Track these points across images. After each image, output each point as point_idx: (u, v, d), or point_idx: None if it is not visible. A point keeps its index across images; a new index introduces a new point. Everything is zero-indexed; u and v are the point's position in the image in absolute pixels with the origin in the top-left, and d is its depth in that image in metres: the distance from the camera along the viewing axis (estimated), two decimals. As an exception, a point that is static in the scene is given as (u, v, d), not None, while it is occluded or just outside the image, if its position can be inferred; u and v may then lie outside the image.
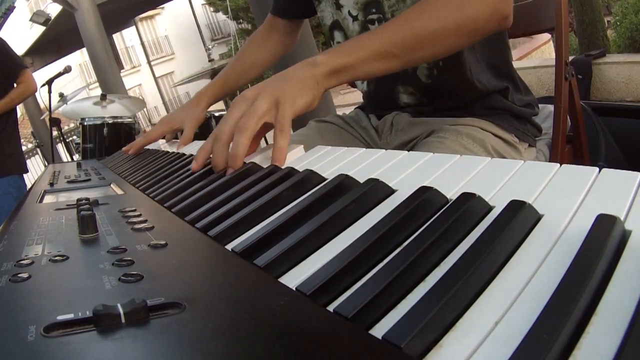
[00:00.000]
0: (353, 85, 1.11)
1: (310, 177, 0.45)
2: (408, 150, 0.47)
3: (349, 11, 0.91)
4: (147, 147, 1.09)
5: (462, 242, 0.28)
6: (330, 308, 0.24)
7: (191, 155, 0.76)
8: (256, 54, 1.16)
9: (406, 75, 0.89)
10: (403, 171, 0.42)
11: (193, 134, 1.03)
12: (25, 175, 2.47)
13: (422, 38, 0.66)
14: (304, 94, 0.61)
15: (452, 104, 0.87)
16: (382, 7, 0.86)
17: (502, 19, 0.69)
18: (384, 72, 0.69)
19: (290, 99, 0.59)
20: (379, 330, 0.22)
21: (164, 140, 1.12)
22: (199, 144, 1.01)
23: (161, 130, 1.08)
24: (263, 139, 0.67)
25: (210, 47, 2.99)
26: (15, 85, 2.31)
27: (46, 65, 10.46)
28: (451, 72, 0.84)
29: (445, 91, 0.87)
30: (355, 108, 1.08)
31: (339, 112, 1.19)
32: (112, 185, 0.75)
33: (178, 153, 0.83)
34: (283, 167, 0.51)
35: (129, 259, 0.32)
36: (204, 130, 2.74)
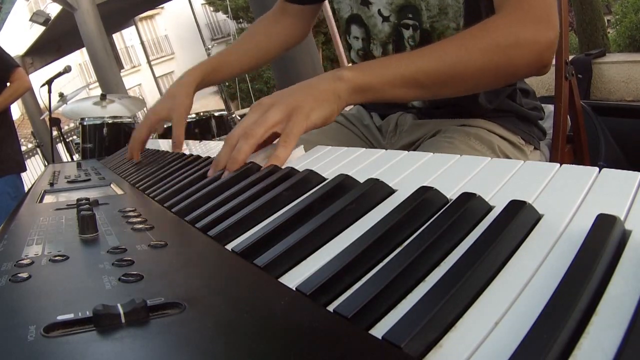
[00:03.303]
0: None
1: (310, 177, 0.45)
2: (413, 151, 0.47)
3: (379, 10, 0.86)
4: (147, 147, 1.08)
5: (462, 242, 0.28)
6: (330, 308, 0.24)
7: (192, 155, 0.76)
8: (261, 39, 1.04)
9: None
10: (403, 171, 0.42)
11: (183, 130, 0.94)
12: (24, 175, 2.46)
13: (456, 75, 0.62)
14: (322, 107, 0.59)
15: (458, 111, 0.86)
16: (419, 15, 0.82)
17: (543, 67, 0.65)
18: (408, 100, 0.65)
19: (304, 113, 0.57)
20: (379, 330, 0.22)
21: (165, 141, 1.09)
22: (207, 144, 1.00)
23: (148, 126, 0.98)
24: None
25: (210, 46, 2.98)
26: (8, 85, 2.31)
27: (46, 65, 10.46)
28: (464, 96, 0.83)
29: (454, 104, 0.86)
30: (355, 105, 1.06)
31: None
32: (112, 185, 0.75)
33: (178, 153, 0.83)
34: (283, 167, 0.51)
35: (129, 259, 0.32)
36: (203, 131, 2.74)
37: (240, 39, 1.07)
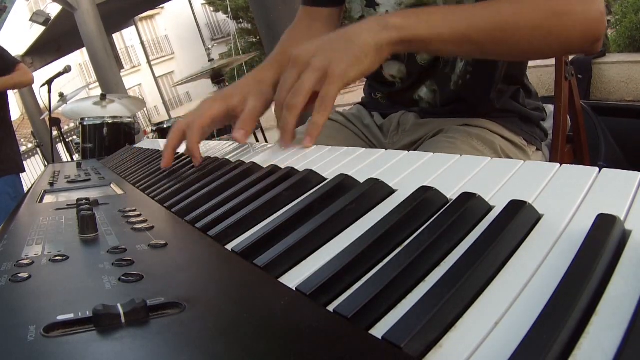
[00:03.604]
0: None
1: (310, 177, 0.45)
2: (414, 151, 0.47)
3: (387, 11, 0.84)
4: (146, 147, 1.07)
5: (462, 242, 0.28)
6: (330, 308, 0.24)
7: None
8: None
9: (442, 72, 0.84)
10: (403, 171, 0.42)
11: (262, 109, 0.74)
12: (24, 175, 2.47)
13: (508, 33, 0.61)
14: (360, 63, 0.58)
15: (464, 109, 0.86)
16: None
17: (596, 41, 0.63)
18: (454, 55, 0.63)
19: (341, 73, 0.57)
20: (379, 330, 0.22)
21: (163, 142, 1.00)
22: (206, 144, 1.00)
23: (216, 111, 0.72)
24: (261, 135, 0.66)
25: (210, 46, 2.98)
26: None
27: (46, 65, 10.46)
28: (477, 86, 0.82)
29: (463, 99, 0.85)
30: (355, 104, 1.04)
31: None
32: (112, 185, 0.75)
33: (178, 153, 0.83)
34: (283, 167, 0.51)
35: (129, 259, 0.32)
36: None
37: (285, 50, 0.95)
